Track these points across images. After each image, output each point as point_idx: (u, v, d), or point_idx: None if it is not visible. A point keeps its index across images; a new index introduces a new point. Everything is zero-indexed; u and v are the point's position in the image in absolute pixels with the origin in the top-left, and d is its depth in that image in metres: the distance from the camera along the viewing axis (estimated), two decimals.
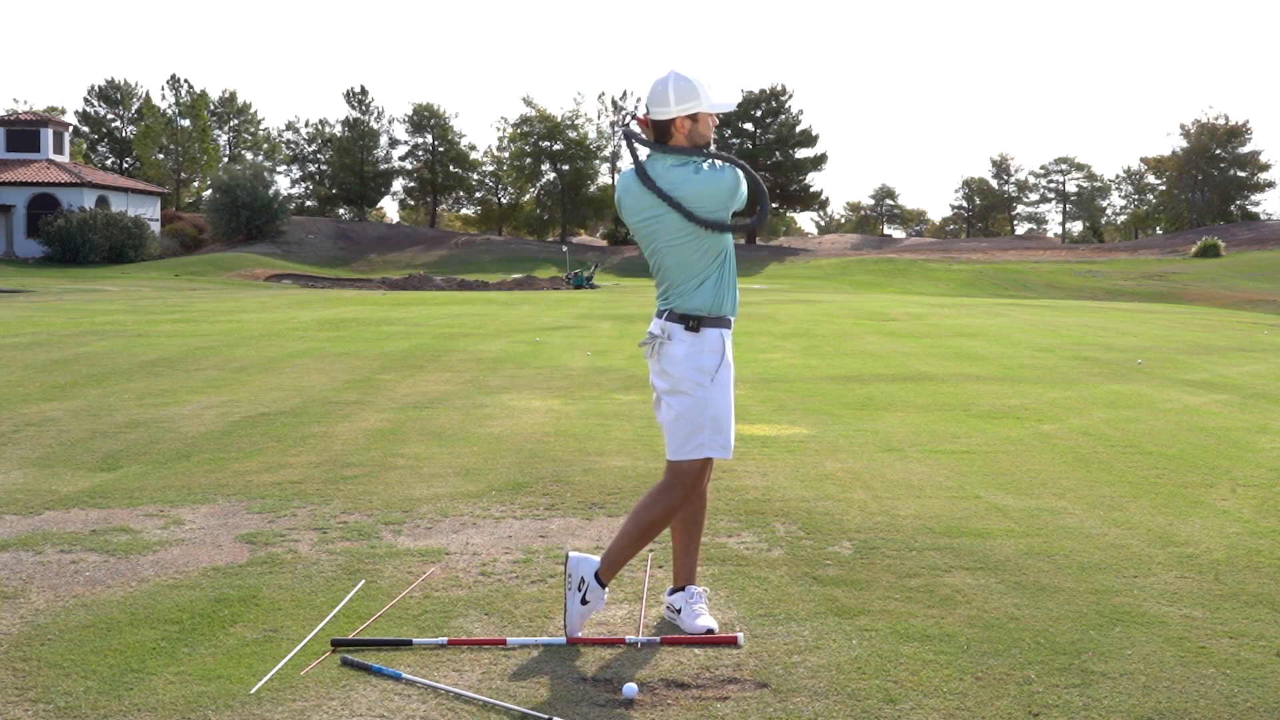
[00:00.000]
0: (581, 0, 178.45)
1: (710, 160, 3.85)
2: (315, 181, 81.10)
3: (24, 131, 54.89)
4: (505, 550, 5.01)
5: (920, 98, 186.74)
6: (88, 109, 78.79)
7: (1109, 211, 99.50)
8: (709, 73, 3.93)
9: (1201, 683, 3.52)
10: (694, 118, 3.83)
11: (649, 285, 4.28)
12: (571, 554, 3.97)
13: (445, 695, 3.40)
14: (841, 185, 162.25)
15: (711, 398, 3.86)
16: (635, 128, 3.95)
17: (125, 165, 75.95)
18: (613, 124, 77.76)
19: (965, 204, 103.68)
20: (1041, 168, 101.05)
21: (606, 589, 3.98)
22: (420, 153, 79.93)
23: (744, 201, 3.87)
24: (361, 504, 5.84)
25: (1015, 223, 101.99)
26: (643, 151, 3.92)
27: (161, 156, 69.15)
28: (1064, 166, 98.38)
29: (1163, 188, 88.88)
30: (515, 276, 47.19)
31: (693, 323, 3.84)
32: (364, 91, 78.92)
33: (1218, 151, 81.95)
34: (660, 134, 3.87)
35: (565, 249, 59.87)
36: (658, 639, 3.85)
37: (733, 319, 3.93)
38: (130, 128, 76.55)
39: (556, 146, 75.82)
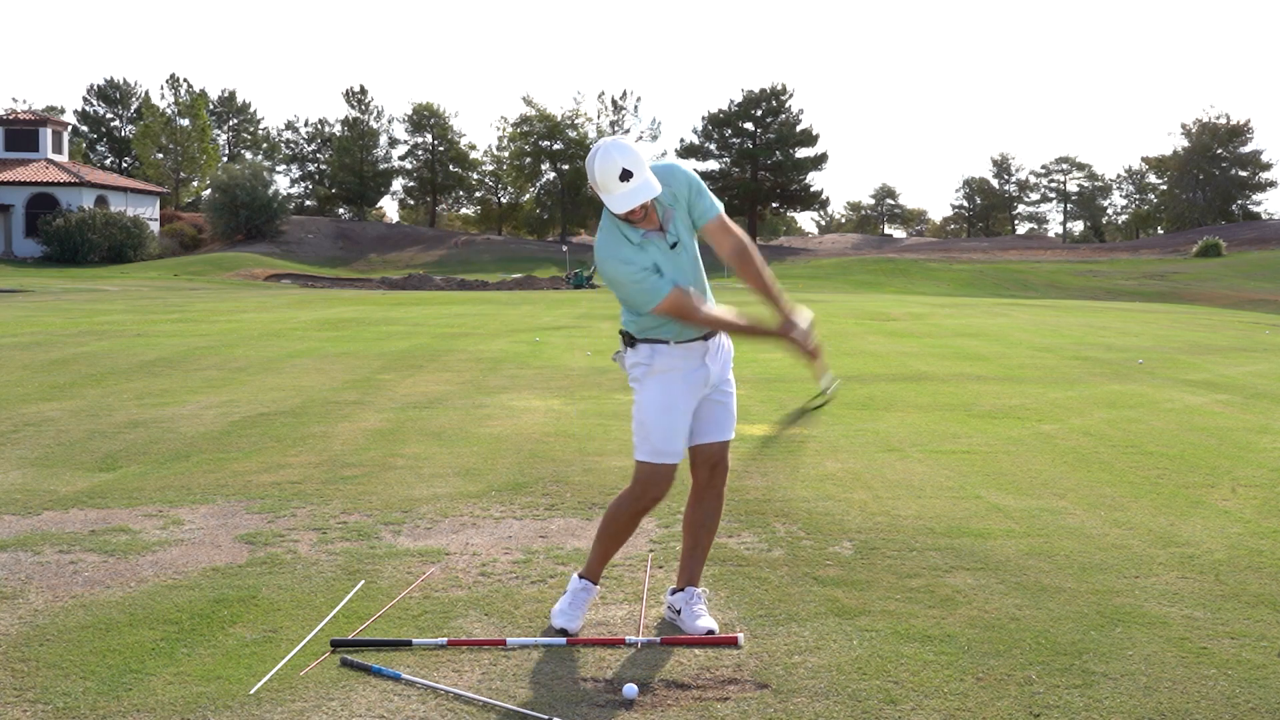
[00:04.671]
0: (581, 0, 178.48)
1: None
2: (315, 181, 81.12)
3: (23, 131, 54.91)
4: (505, 550, 5.00)
5: (920, 98, 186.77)
6: (87, 108, 78.90)
7: (1110, 211, 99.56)
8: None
9: (1203, 683, 3.51)
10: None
11: None
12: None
13: (445, 695, 3.39)
14: (842, 185, 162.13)
15: (640, 402, 3.95)
16: None
17: (124, 165, 75.99)
18: (612, 124, 77.76)
19: (966, 203, 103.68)
20: (1042, 167, 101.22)
21: (598, 585, 4.11)
22: (420, 152, 79.97)
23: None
24: (361, 504, 5.83)
25: (1016, 222, 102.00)
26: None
27: (161, 156, 69.15)
28: (1065, 166, 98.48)
29: (1164, 187, 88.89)
30: (515, 276, 47.20)
31: (628, 338, 3.99)
32: (364, 91, 78.99)
33: (1219, 151, 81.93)
34: None
35: (565, 249, 59.86)
36: (658, 639, 3.85)
37: (672, 340, 3.89)
38: (129, 127, 76.60)
39: (556, 146, 75.82)
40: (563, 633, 3.91)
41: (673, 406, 3.90)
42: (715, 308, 3.88)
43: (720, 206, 3.92)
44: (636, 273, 3.77)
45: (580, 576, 4.08)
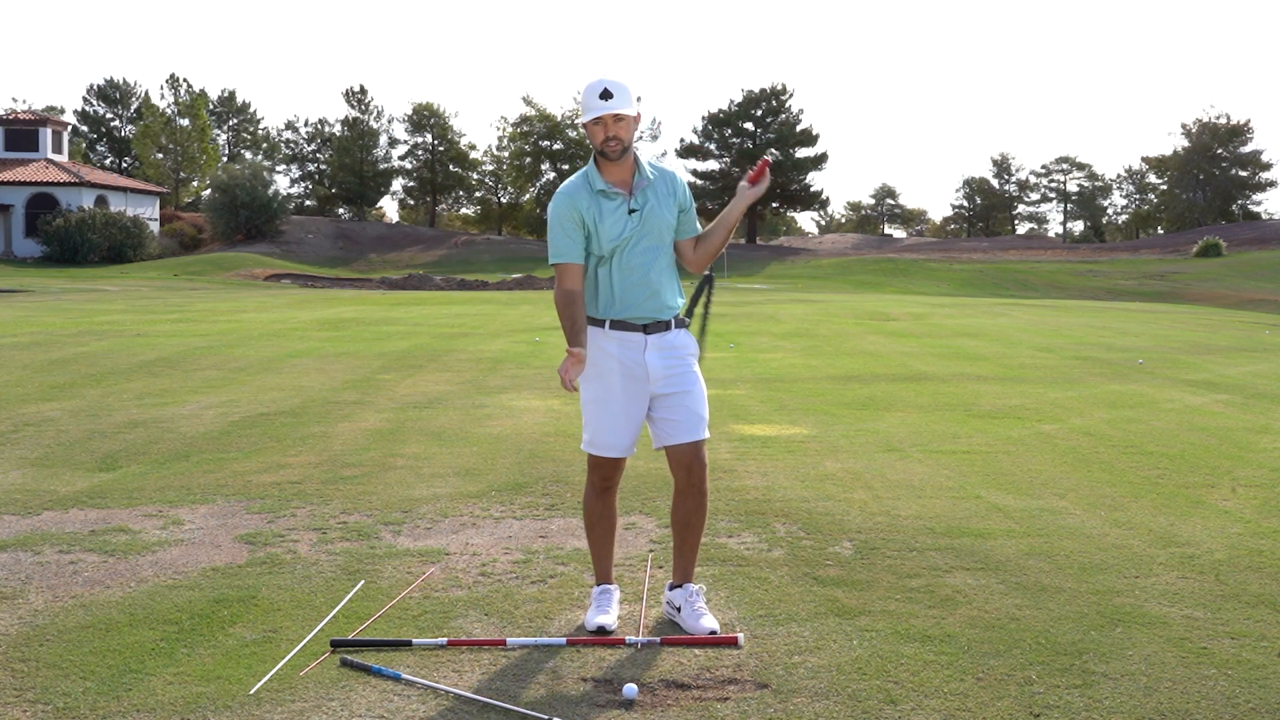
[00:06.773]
0: (581, 0, 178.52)
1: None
2: (315, 181, 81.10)
3: (23, 131, 54.87)
4: (505, 550, 5.00)
5: (920, 98, 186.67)
6: (87, 108, 78.83)
7: (1110, 211, 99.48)
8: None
9: (1203, 683, 3.51)
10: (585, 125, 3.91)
11: None
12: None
13: (445, 695, 3.39)
14: (842, 185, 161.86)
15: (581, 399, 4.01)
16: None
17: (124, 165, 75.94)
18: None
19: (966, 203, 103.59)
20: (1042, 167, 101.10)
21: (614, 585, 4.15)
22: (420, 152, 79.90)
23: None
24: (361, 504, 5.84)
25: (1016, 222, 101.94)
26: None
27: (160, 156, 69.09)
28: (1065, 166, 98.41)
29: (1164, 187, 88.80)
30: (515, 276, 47.19)
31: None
32: (363, 91, 78.84)
33: (1219, 151, 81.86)
34: None
35: None
36: (658, 639, 3.85)
37: (609, 319, 3.88)
38: (129, 127, 76.54)
39: (556, 146, 75.81)
40: (601, 630, 3.89)
41: (607, 400, 3.89)
42: (571, 311, 3.76)
43: (700, 230, 4.06)
44: (567, 220, 3.83)
45: (599, 584, 4.14)
